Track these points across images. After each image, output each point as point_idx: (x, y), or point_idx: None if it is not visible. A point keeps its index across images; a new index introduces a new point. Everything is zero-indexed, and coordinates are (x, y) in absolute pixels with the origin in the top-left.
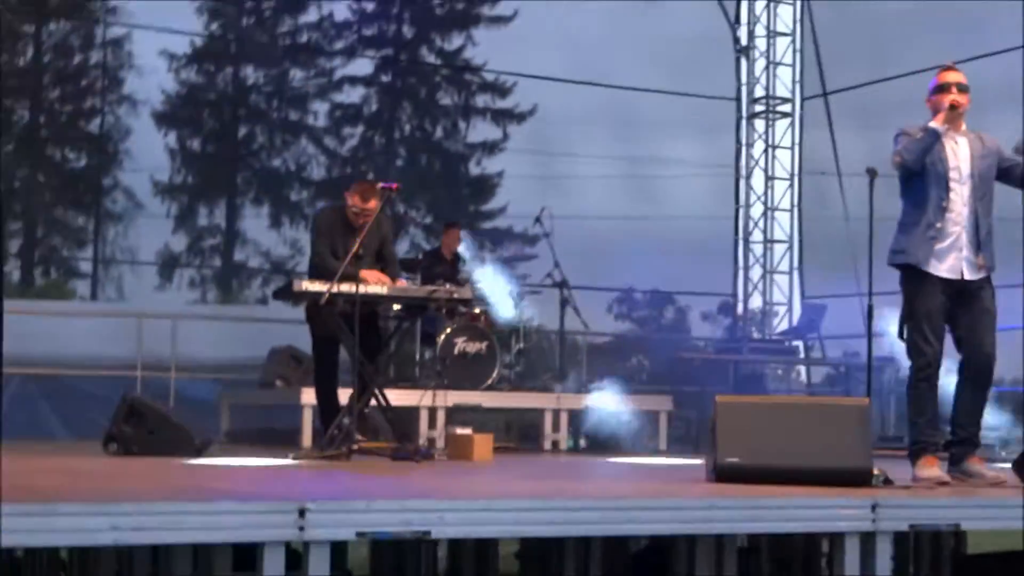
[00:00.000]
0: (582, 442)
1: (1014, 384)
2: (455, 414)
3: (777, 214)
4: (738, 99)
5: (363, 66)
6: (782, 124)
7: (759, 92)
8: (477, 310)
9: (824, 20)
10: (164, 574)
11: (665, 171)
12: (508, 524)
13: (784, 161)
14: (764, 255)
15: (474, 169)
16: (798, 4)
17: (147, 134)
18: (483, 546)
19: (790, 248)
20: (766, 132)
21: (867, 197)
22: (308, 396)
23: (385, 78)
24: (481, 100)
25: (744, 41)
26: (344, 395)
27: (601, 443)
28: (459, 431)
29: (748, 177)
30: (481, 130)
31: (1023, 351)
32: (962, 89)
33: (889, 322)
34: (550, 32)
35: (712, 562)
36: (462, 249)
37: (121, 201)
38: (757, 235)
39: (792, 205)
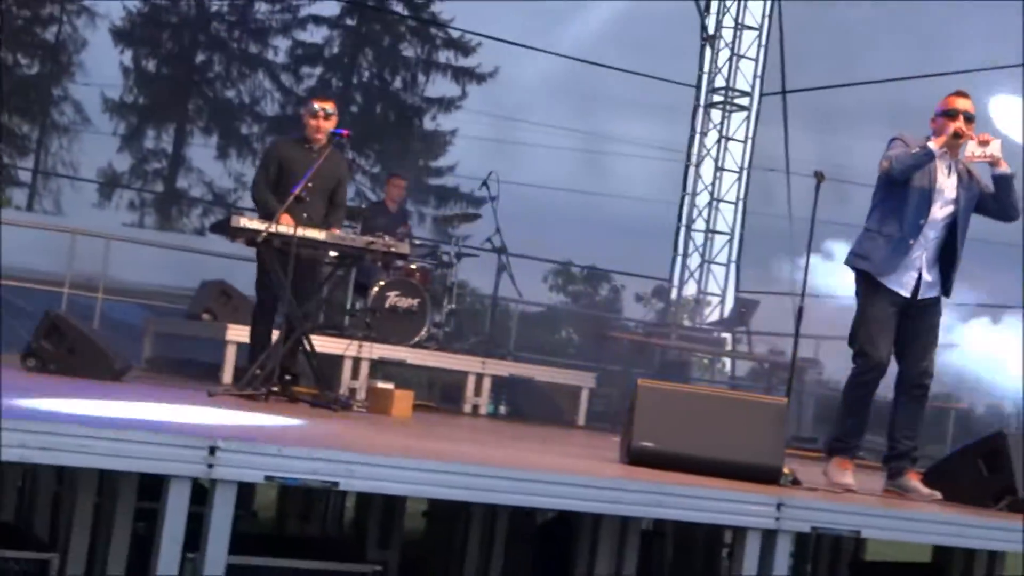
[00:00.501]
0: (502, 409)
1: None
2: (379, 367)
3: (722, 205)
4: (698, 87)
5: (330, 7)
6: (738, 117)
7: (719, 82)
8: (414, 266)
9: (792, 19)
10: (68, 496)
11: (617, 149)
12: (416, 484)
13: (735, 154)
14: (704, 244)
15: (429, 124)
16: (768, 0)
17: (103, 49)
18: (391, 501)
19: (731, 240)
20: (721, 123)
21: (812, 199)
22: (233, 333)
23: (350, 22)
24: (444, 56)
25: (711, 30)
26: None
27: (521, 412)
28: (381, 385)
29: (698, 165)
30: (440, 86)
31: None
32: (969, 119)
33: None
34: None
35: (615, 542)
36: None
37: (69, 113)
38: (700, 224)
39: (738, 198)
